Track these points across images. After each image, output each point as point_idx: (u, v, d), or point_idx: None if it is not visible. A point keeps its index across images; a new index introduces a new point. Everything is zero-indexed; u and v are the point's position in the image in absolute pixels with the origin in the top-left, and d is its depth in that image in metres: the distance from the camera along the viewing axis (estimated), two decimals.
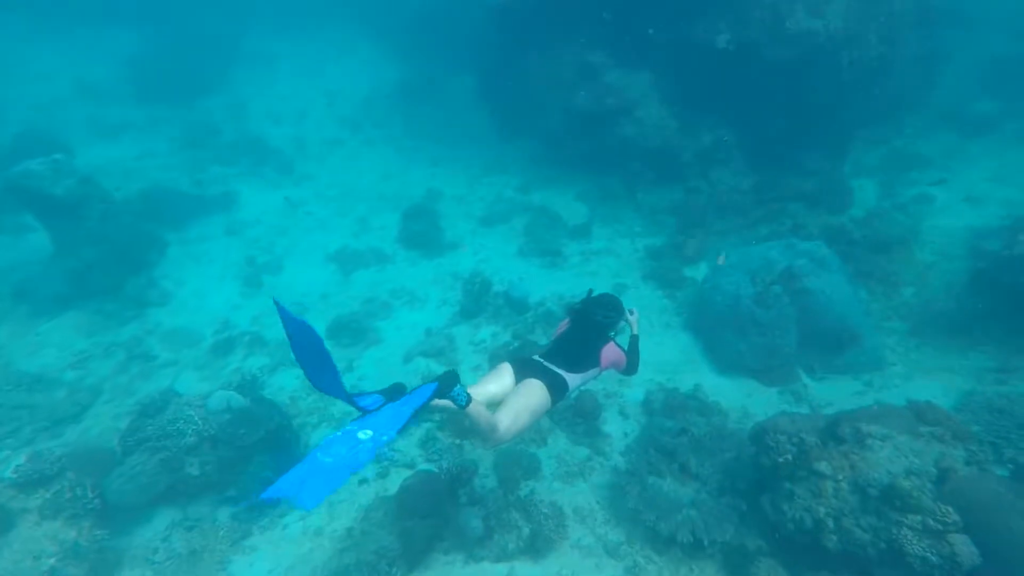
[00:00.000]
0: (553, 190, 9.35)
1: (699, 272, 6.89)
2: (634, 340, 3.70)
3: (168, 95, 12.34)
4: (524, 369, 3.14)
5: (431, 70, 13.87)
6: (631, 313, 3.75)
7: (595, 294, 3.60)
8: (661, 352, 5.75)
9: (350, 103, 13.37)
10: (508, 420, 2.89)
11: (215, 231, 8.27)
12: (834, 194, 7.82)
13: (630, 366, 3.58)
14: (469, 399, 2.69)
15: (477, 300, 6.51)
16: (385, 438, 2.40)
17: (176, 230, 7.95)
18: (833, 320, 5.10)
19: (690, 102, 8.40)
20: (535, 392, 3.04)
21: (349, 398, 2.45)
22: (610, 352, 3.38)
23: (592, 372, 3.32)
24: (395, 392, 2.61)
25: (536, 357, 3.27)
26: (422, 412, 2.58)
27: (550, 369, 3.15)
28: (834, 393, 5.05)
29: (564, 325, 3.60)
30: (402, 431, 2.46)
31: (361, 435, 2.38)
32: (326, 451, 2.32)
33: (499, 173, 10.08)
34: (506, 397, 3.05)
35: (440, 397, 2.64)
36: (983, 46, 10.86)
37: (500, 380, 3.12)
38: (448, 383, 2.66)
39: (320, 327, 6.38)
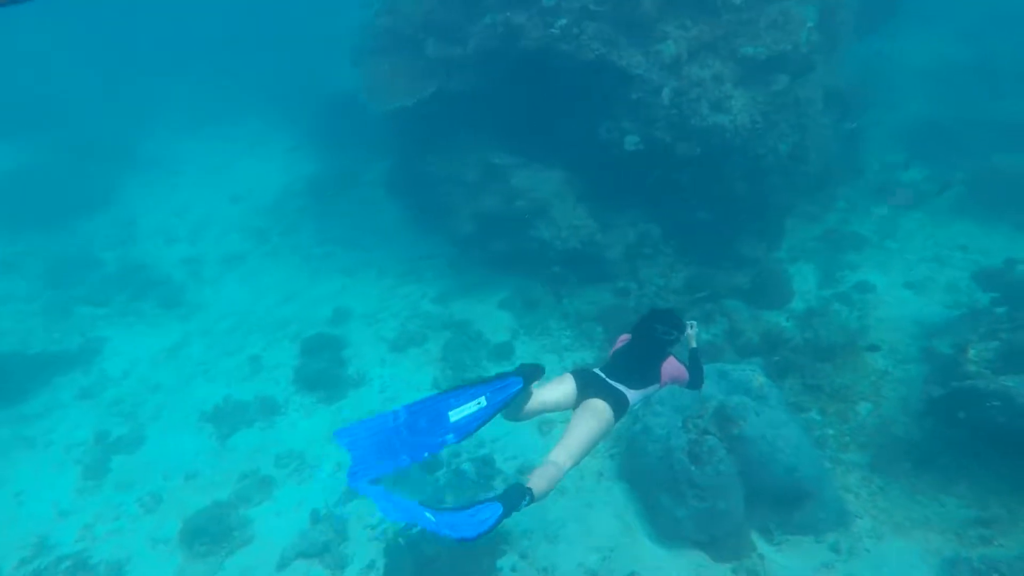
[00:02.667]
0: (474, 298, 8.76)
1: None
2: (694, 353, 3.80)
3: (41, 219, 11.41)
4: (587, 385, 3.22)
5: (346, 162, 13.56)
6: (691, 327, 3.83)
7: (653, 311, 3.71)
8: (591, 517, 4.96)
9: (258, 207, 12.74)
10: (574, 458, 2.99)
11: (65, 398, 7.16)
12: (771, 287, 7.48)
13: (694, 380, 3.68)
14: (532, 496, 2.75)
15: None
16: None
17: (10, 405, 6.83)
18: (781, 472, 4.47)
19: (608, 198, 8.13)
20: (597, 415, 3.09)
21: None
22: (671, 368, 3.48)
23: (652, 388, 3.42)
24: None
25: (597, 371, 3.34)
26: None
27: (612, 386, 3.20)
28: (797, 563, 4.34)
29: (623, 340, 3.66)
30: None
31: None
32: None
33: (415, 281, 9.46)
34: (568, 425, 3.13)
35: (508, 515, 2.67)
36: (905, 111, 11.35)
37: (562, 390, 3.22)
38: (514, 502, 2.70)
39: (171, 529, 5.36)
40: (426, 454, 2.87)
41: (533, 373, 3.11)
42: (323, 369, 7.28)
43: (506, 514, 2.64)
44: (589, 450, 3.09)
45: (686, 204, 7.80)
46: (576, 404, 3.21)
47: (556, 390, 3.25)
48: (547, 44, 6.66)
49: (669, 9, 6.46)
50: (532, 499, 2.73)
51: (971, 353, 4.63)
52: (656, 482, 4.79)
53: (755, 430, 4.58)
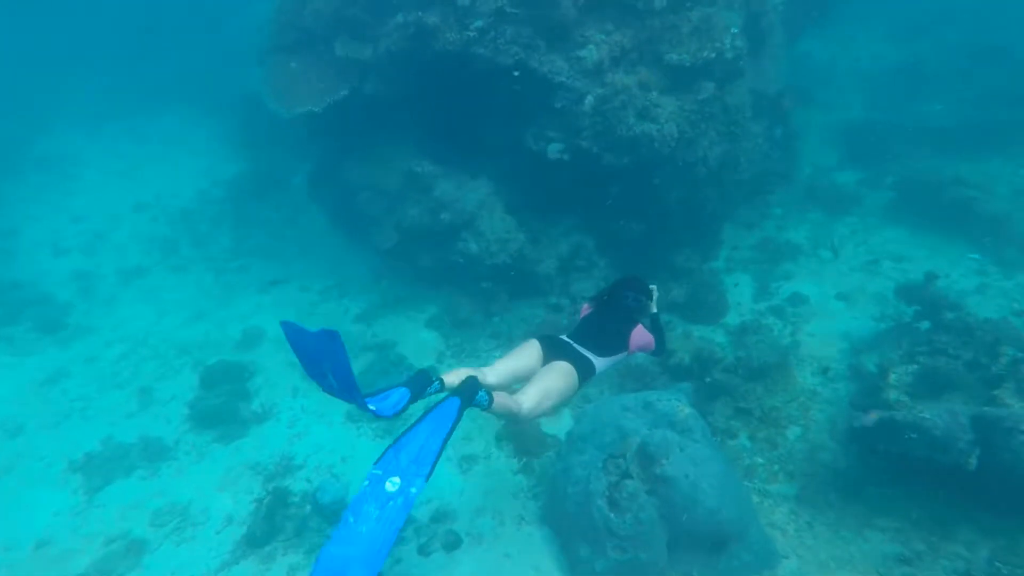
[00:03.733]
0: (401, 315, 8.33)
1: (562, 426, 5.99)
2: (655, 318, 3.78)
3: None
4: (553, 349, 3.23)
5: (272, 162, 12.79)
6: (653, 292, 3.81)
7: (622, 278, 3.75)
8: (507, 570, 4.65)
9: (167, 215, 11.84)
10: (532, 402, 2.95)
11: None
12: (707, 300, 7.39)
13: (659, 347, 3.69)
14: (490, 399, 2.72)
15: (270, 516, 5.14)
16: (414, 489, 2.31)
17: None
18: (704, 515, 4.27)
19: (540, 208, 7.84)
20: (563, 374, 3.09)
21: (364, 405, 2.41)
22: (639, 336, 3.48)
23: (620, 356, 3.44)
24: (420, 383, 2.63)
25: (564, 337, 3.36)
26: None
27: (579, 351, 3.22)
28: None
29: (587, 309, 3.69)
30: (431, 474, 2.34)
31: (389, 485, 2.31)
32: (357, 515, 2.26)
33: (338, 297, 8.95)
34: (532, 376, 3.10)
35: (466, 406, 2.61)
36: (839, 113, 11.55)
37: (527, 357, 3.20)
38: (470, 392, 2.64)
39: None
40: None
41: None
42: (223, 403, 6.68)
43: (463, 402, 2.59)
44: (553, 403, 3.06)
45: (619, 214, 7.61)
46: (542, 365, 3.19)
47: (521, 355, 3.22)
48: (463, 47, 6.28)
49: (590, 13, 6.18)
50: (489, 404, 2.70)
51: (892, 378, 4.57)
52: (576, 530, 4.52)
53: (678, 469, 4.36)
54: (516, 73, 6.30)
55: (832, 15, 12.03)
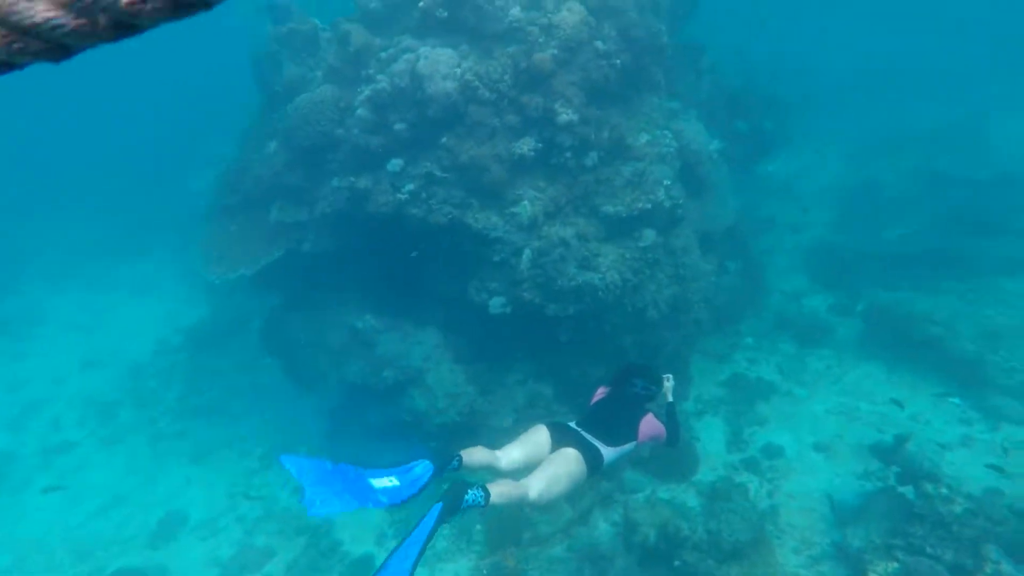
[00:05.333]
0: None
1: None
2: (671, 408, 3.81)
3: None
4: (561, 436, 3.30)
5: (233, 306, 12.77)
6: (667, 380, 3.89)
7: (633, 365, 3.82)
8: None
9: (117, 373, 11.57)
10: (541, 486, 3.01)
11: None
12: (675, 455, 6.90)
13: (671, 437, 3.69)
14: (487, 495, 2.84)
15: None
16: None
17: None
18: None
19: (491, 358, 7.61)
20: (571, 461, 3.15)
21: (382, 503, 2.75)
22: (648, 426, 3.54)
23: (629, 446, 3.45)
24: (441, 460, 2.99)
25: (573, 425, 3.41)
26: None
27: (587, 440, 3.29)
28: None
29: (602, 392, 3.77)
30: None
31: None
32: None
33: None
34: (541, 463, 3.17)
35: (452, 514, 2.72)
36: (804, 234, 11.80)
37: (535, 443, 3.29)
38: (455, 497, 2.77)
39: None
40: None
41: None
42: None
43: (448, 508, 2.67)
44: (557, 494, 3.06)
45: (575, 360, 7.37)
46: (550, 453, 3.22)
47: (529, 441, 3.26)
48: (396, 208, 6.41)
49: (521, 172, 6.39)
50: (487, 500, 2.78)
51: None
52: None
53: None
54: (450, 231, 6.38)
55: (792, 140, 12.71)
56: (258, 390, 10.29)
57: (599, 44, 6.30)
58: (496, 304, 6.62)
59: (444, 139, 6.17)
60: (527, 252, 6.43)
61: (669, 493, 6.46)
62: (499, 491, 2.87)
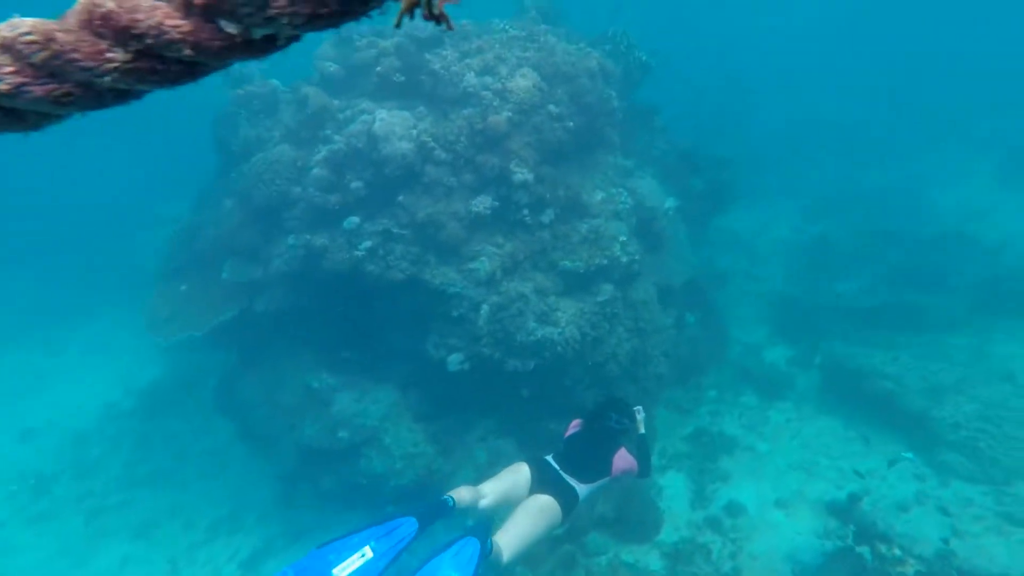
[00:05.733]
0: (299, 551, 7.34)
1: None
2: (643, 440, 3.98)
3: None
4: (540, 477, 3.43)
5: (191, 363, 12.35)
6: (639, 413, 4.07)
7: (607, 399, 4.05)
8: None
9: (57, 443, 10.95)
10: (511, 550, 3.10)
11: None
12: (638, 514, 6.77)
13: (643, 469, 3.90)
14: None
15: None
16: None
17: None
18: None
19: (451, 415, 7.47)
20: (545, 513, 3.28)
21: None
22: (622, 460, 3.73)
23: (603, 482, 3.64)
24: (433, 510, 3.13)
25: (551, 460, 3.57)
26: None
27: (564, 481, 3.42)
28: None
29: (576, 425, 4.01)
30: None
31: None
32: None
33: (230, 532, 7.97)
34: (515, 511, 3.29)
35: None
36: (765, 285, 12.12)
37: (514, 483, 3.42)
38: (483, 536, 2.98)
39: None
40: None
41: (431, 512, 3.05)
42: None
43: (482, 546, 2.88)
44: (529, 546, 3.19)
45: (537, 415, 7.27)
46: (528, 494, 3.35)
47: (508, 479, 3.39)
48: (353, 265, 6.41)
49: (479, 229, 6.49)
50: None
51: None
52: None
53: None
54: (408, 287, 6.38)
55: (750, 194, 13.24)
56: (211, 454, 9.85)
57: (552, 108, 6.57)
58: (454, 360, 6.56)
59: (401, 197, 6.26)
60: (485, 307, 6.45)
61: (632, 556, 6.28)
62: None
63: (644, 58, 8.59)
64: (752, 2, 30.41)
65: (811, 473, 6.87)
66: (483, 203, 6.30)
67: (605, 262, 6.71)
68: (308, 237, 6.46)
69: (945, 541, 5.21)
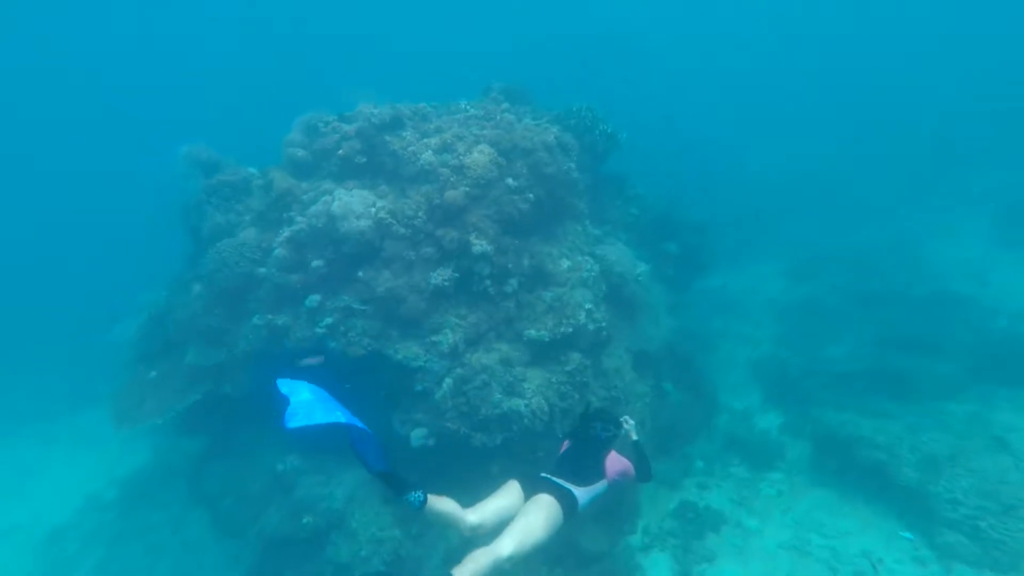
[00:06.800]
0: None
1: None
2: (637, 446, 4.07)
3: None
4: (534, 486, 3.46)
5: (175, 448, 12.09)
6: (627, 422, 4.18)
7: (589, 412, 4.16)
8: None
9: (29, 543, 10.63)
10: (516, 540, 3.09)
11: None
12: None
13: (641, 472, 3.94)
14: (425, 502, 3.15)
15: None
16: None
17: None
18: None
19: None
20: (545, 508, 3.27)
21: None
22: (614, 462, 3.82)
23: (600, 485, 3.67)
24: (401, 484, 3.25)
25: (543, 474, 3.60)
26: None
27: (559, 484, 3.45)
28: None
29: (565, 445, 3.98)
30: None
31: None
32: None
33: None
34: (515, 517, 3.28)
35: (393, 491, 3.13)
36: (755, 348, 11.86)
37: (508, 497, 3.46)
38: (402, 485, 3.16)
39: None
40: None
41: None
42: None
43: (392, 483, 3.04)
44: (534, 544, 3.11)
45: None
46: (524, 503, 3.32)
47: (501, 496, 3.39)
48: (315, 343, 6.38)
49: (440, 302, 6.49)
50: (420, 507, 3.04)
51: None
52: None
53: None
54: (370, 362, 6.31)
55: (727, 258, 13.24)
56: (186, 547, 9.44)
57: (510, 181, 6.74)
58: (417, 436, 6.37)
59: (360, 273, 6.32)
60: (448, 380, 6.32)
61: None
62: (469, 567, 2.89)
63: (609, 130, 8.88)
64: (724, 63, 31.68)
65: (803, 553, 6.39)
66: (443, 275, 6.33)
67: (571, 330, 6.63)
68: (270, 317, 6.48)
69: None
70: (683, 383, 9.03)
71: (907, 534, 6.15)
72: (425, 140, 6.89)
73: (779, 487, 7.66)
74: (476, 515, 3.34)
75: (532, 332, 6.63)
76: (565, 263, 7.29)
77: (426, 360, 6.41)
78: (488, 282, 6.59)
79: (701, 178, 15.67)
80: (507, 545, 3.05)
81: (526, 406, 6.35)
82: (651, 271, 8.86)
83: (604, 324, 6.92)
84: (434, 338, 6.43)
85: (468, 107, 7.58)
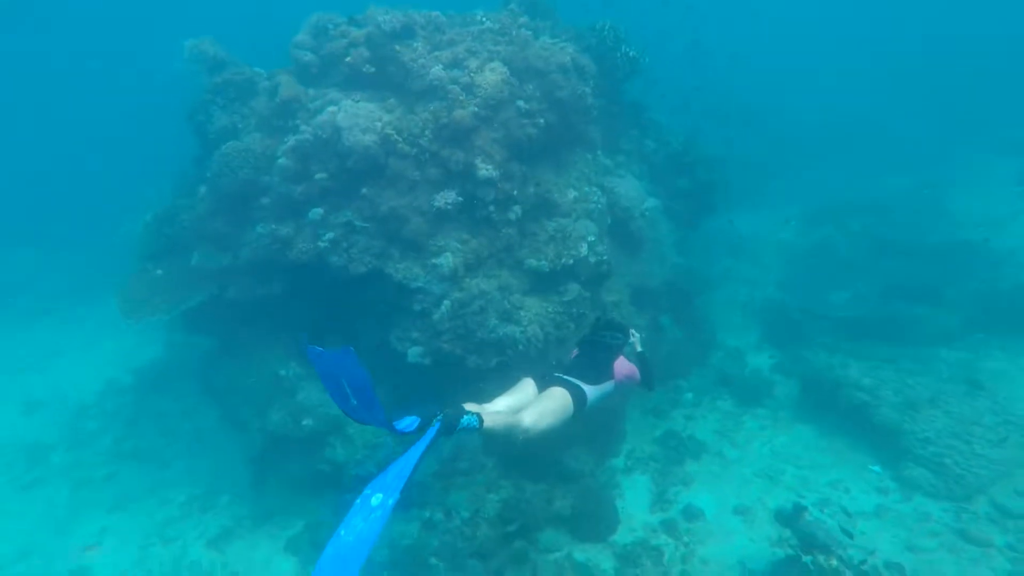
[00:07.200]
0: (264, 532, 7.54)
1: None
2: (642, 356, 4.21)
3: None
4: (546, 381, 3.65)
5: (187, 345, 12.65)
6: (633, 335, 4.33)
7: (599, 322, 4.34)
8: None
9: (57, 416, 11.35)
10: (534, 416, 3.28)
11: None
12: (595, 513, 6.72)
13: (646, 380, 4.13)
14: (481, 420, 3.02)
15: None
16: (391, 501, 2.58)
17: None
18: None
19: (415, 406, 7.49)
20: (558, 396, 3.49)
21: (386, 423, 2.82)
22: (622, 365, 3.99)
23: (608, 385, 3.83)
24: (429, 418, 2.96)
25: (555, 373, 3.75)
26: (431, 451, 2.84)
27: (569, 380, 3.63)
28: None
29: (575, 353, 4.13)
30: (406, 488, 2.64)
31: (373, 500, 2.58)
32: (347, 528, 2.49)
33: (202, 511, 8.14)
34: (531, 402, 3.47)
35: (449, 434, 2.94)
36: (758, 291, 11.86)
37: (523, 392, 3.60)
38: (452, 420, 2.96)
39: None
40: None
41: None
42: None
43: (445, 429, 2.88)
44: (547, 426, 3.30)
45: None
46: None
47: (517, 392, 3.56)
48: (317, 256, 6.45)
49: (443, 225, 6.46)
50: (480, 424, 2.97)
51: None
52: None
53: None
54: (372, 279, 6.40)
55: (743, 199, 12.94)
56: (197, 434, 10.07)
57: (521, 103, 6.49)
58: (414, 353, 6.57)
59: (364, 190, 6.26)
60: (446, 303, 6.43)
61: (584, 555, 6.25)
62: (492, 419, 3.07)
63: (632, 53, 8.41)
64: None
65: (775, 481, 6.74)
66: (447, 198, 6.26)
67: (571, 262, 6.63)
68: (274, 227, 6.51)
69: (900, 553, 5.04)
70: (682, 320, 9.12)
71: (875, 467, 6.45)
72: (436, 53, 6.58)
73: (763, 422, 7.95)
74: (493, 410, 3.34)
75: (532, 262, 6.64)
76: (572, 193, 7.17)
77: (426, 281, 6.49)
78: (492, 208, 6.52)
79: (732, 119, 14.98)
80: (527, 418, 3.21)
81: (521, 333, 6.49)
82: (661, 207, 8.73)
83: (605, 258, 6.90)
84: (435, 260, 6.47)
85: (484, 19, 7.16)
